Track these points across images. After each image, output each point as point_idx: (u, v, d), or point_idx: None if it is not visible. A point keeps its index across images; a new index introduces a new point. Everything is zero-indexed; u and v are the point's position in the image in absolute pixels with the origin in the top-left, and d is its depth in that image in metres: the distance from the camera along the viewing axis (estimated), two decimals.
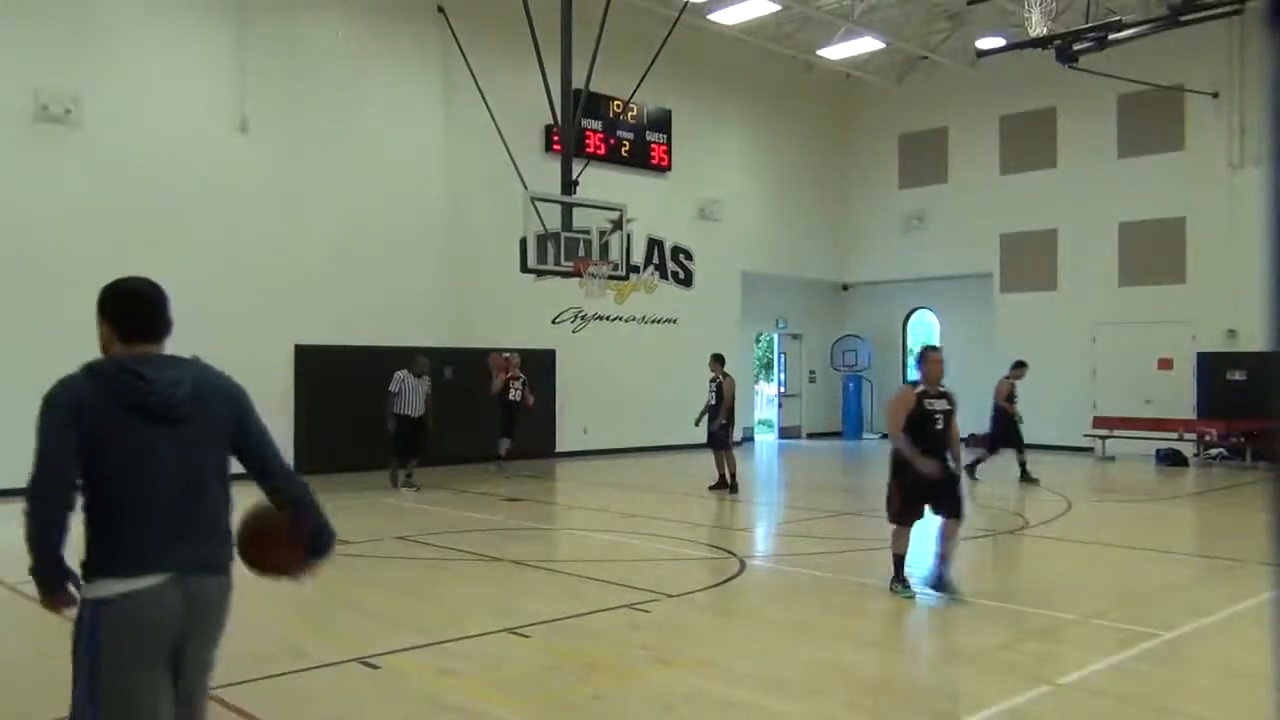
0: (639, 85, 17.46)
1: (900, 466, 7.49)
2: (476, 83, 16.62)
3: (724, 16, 19.27)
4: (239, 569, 3.16)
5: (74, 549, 2.92)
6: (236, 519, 3.14)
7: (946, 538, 7.56)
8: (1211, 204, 19.20)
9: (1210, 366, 19.11)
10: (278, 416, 15.20)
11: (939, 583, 7.51)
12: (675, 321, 20.89)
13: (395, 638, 6.24)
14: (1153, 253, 20.02)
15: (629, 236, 16.81)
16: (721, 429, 13.98)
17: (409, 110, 17.07)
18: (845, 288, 25.75)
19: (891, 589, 7.54)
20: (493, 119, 16.54)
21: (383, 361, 16.19)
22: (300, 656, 5.83)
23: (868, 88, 23.92)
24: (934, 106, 23.22)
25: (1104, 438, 19.61)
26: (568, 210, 15.64)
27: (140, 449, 2.93)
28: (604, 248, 15.86)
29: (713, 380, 14.09)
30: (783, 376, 25.58)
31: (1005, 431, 15.50)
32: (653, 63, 17.05)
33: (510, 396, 15.67)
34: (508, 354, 16.12)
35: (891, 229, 24.12)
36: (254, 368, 15.51)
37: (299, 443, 15.48)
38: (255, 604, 7.40)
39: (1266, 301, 1.22)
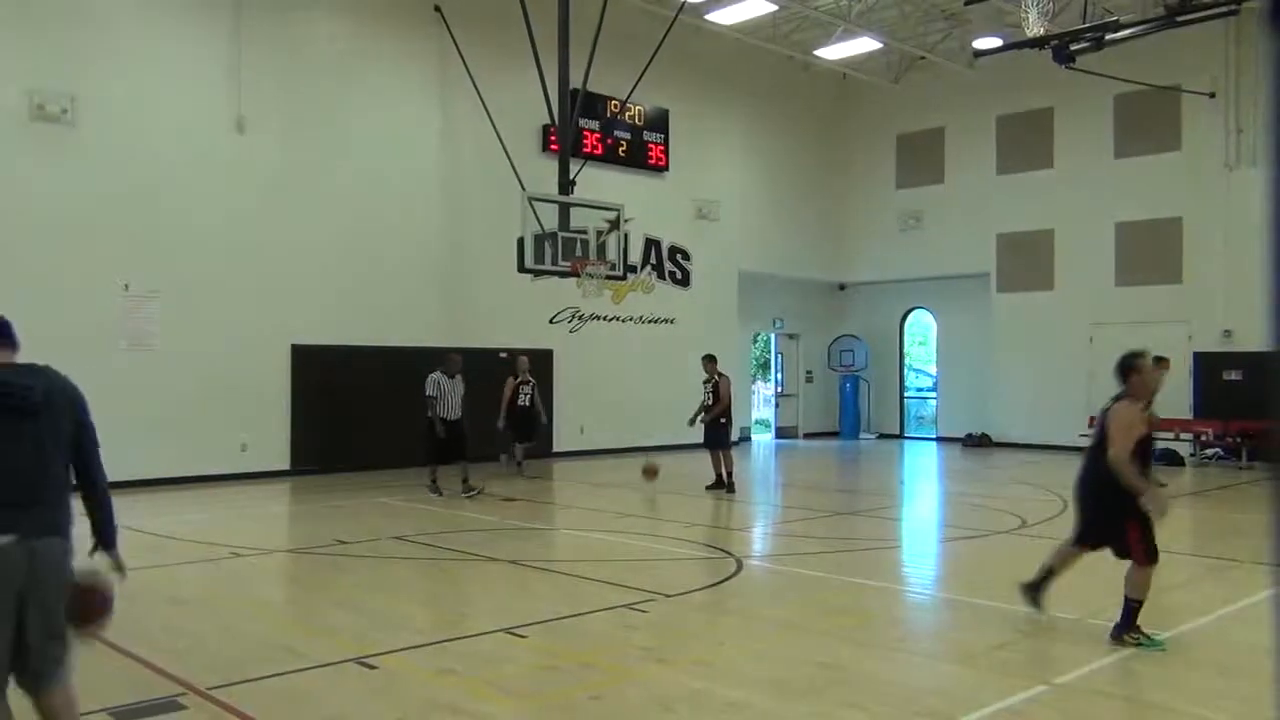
0: (636, 85, 17.47)
1: (1130, 499, 6.07)
2: (474, 82, 16.62)
3: (721, 16, 19.26)
4: None
5: None
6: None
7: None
8: (1208, 204, 19.22)
9: (1207, 366, 19.14)
10: (273, 416, 15.26)
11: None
12: (673, 321, 20.90)
13: (392, 638, 6.23)
14: (1149, 253, 20.04)
15: (626, 236, 16.81)
16: (721, 429, 13.99)
17: (406, 110, 17.06)
18: (842, 287, 25.76)
19: (1130, 639, 6.06)
20: (490, 119, 16.54)
21: (380, 361, 16.26)
22: (297, 657, 5.82)
23: (865, 87, 23.93)
24: (931, 106, 23.24)
25: None
26: (565, 210, 15.64)
27: (3, 435, 3.68)
28: (601, 247, 15.86)
29: (707, 381, 14.10)
30: (780, 376, 25.59)
31: None
32: (650, 62, 17.05)
33: (520, 402, 15.44)
34: (522, 355, 16.00)
35: (889, 229, 24.14)
36: (250, 367, 15.68)
37: (295, 442, 15.49)
38: (251, 605, 7.43)
39: (1267, 301, 1.22)
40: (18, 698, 3.76)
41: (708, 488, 13.80)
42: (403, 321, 16.69)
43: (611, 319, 19.82)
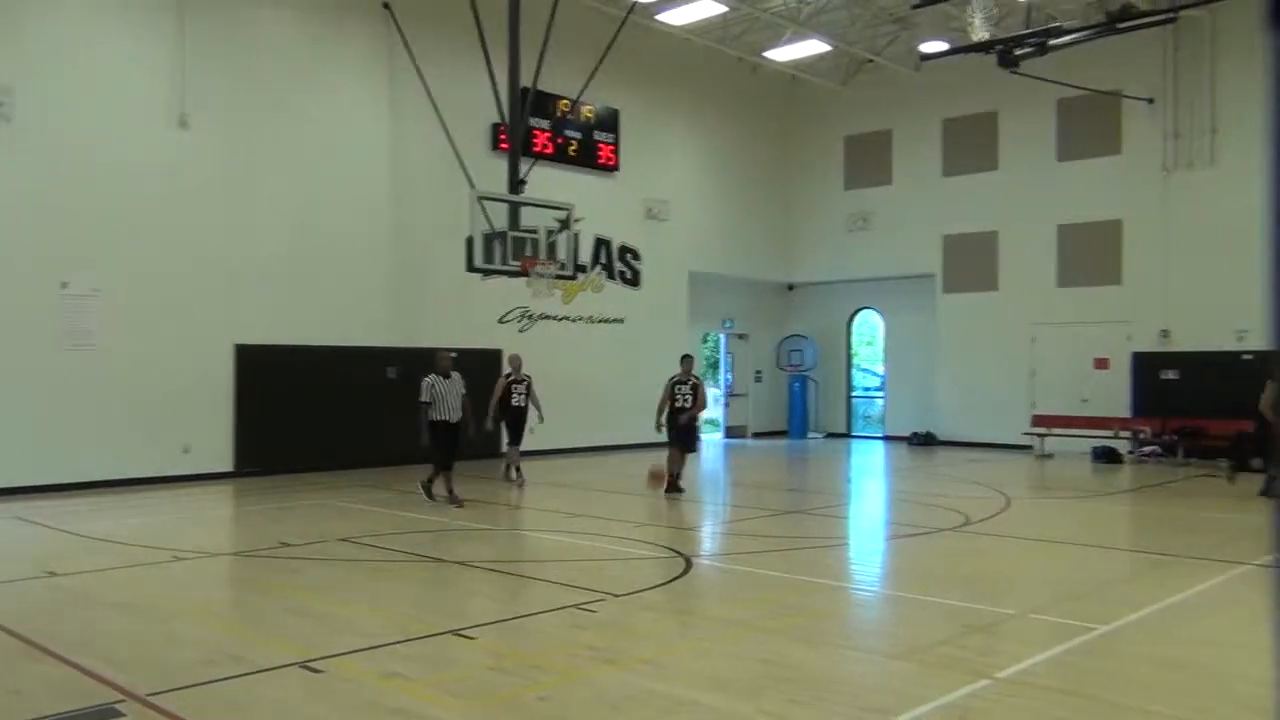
0: (587, 85, 17.45)
1: None
2: (423, 80, 16.49)
3: (672, 17, 19.32)
4: None
5: None
6: None
7: None
8: (1147, 207, 19.66)
9: (1144, 366, 19.57)
10: (216, 416, 15.01)
11: None
12: (623, 321, 20.90)
13: (337, 641, 6.16)
14: (1090, 254, 20.44)
15: (576, 236, 16.80)
16: (697, 431, 13.77)
17: (354, 108, 16.87)
18: (791, 288, 25.96)
19: None
20: (439, 117, 16.42)
21: (327, 361, 16.07)
22: (240, 662, 5.73)
23: (814, 89, 24.13)
24: (879, 109, 23.50)
25: (1042, 435, 19.99)
26: (515, 209, 15.58)
27: None
28: (551, 247, 15.82)
29: (684, 382, 13.50)
30: (729, 376, 25.72)
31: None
32: (600, 62, 17.05)
33: (514, 402, 14.84)
34: (515, 353, 15.50)
35: (837, 230, 24.37)
36: (193, 367, 15.41)
37: (239, 444, 15.25)
38: (193, 610, 7.30)
39: (1267, 301, 1.23)
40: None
41: (667, 492, 13.33)
42: (350, 320, 16.51)
43: (562, 319, 19.77)
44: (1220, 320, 18.46)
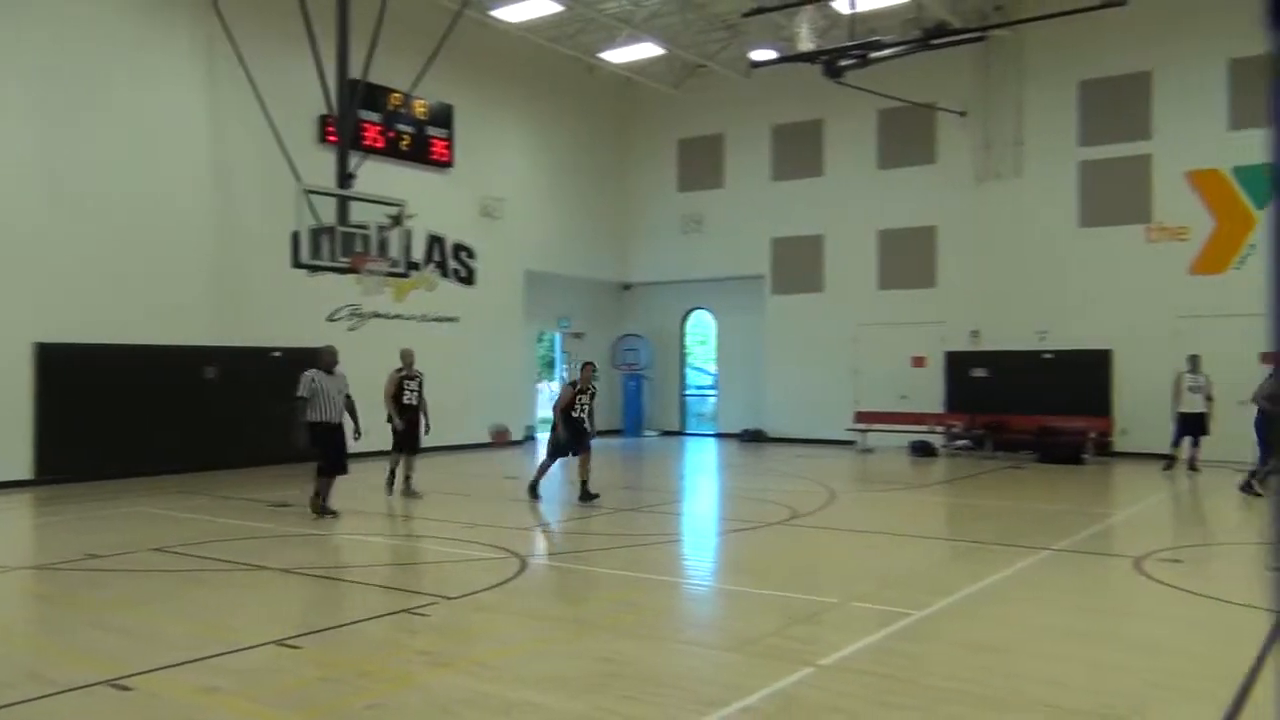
0: (419, 78, 17.08)
1: None
2: (245, 68, 15.77)
3: (506, 13, 19.18)
4: None
5: None
6: None
7: None
8: (959, 214, 20.82)
9: (956, 364, 20.72)
10: (13, 420, 13.94)
11: None
12: (457, 320, 20.60)
13: (150, 656, 5.82)
14: (908, 258, 21.50)
15: (409, 233, 16.44)
16: (587, 434, 13.09)
17: (171, 94, 15.98)
18: (626, 287, 26.20)
19: None
20: (263, 107, 15.73)
21: (140, 361, 15.18)
22: (42, 682, 5.35)
23: (648, 92, 24.42)
24: (711, 113, 24.01)
25: (864, 431, 20.88)
26: (344, 204, 15.12)
27: None
28: (383, 244, 15.43)
29: (585, 391, 13.03)
30: (564, 375, 25.72)
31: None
32: (433, 56, 16.70)
33: (405, 399, 13.78)
34: (407, 347, 14.40)
35: (671, 230, 24.76)
36: None
37: (40, 449, 14.22)
38: None
39: (1267, 301, 1.28)
40: None
41: (584, 498, 12.73)
42: (167, 318, 15.63)
43: (394, 317, 19.31)
44: (1024, 321, 19.77)
